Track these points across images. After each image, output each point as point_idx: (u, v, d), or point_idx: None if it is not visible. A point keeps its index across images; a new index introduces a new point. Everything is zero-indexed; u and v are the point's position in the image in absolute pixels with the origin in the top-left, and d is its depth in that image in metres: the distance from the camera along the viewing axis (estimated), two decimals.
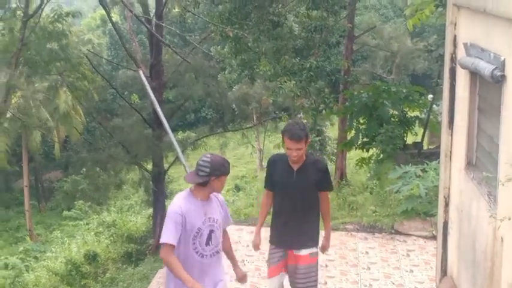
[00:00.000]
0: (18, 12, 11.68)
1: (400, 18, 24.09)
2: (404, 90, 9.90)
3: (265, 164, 17.92)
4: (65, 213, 17.20)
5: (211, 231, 3.52)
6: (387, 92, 9.58)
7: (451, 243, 4.35)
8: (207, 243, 3.51)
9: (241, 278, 3.87)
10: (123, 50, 14.52)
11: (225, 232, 3.82)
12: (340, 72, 12.68)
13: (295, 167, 3.97)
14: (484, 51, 3.22)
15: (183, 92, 12.12)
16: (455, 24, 4.02)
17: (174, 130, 10.95)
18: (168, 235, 3.36)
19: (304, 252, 4.02)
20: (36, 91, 11.93)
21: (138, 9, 13.31)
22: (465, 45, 3.63)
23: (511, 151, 2.74)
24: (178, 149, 8.10)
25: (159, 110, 8.00)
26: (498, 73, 2.88)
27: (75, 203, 16.58)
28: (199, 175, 3.40)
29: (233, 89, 12.85)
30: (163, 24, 11.50)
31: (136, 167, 12.05)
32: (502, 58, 2.86)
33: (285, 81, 11.61)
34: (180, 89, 12.13)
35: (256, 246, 4.19)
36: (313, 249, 4.05)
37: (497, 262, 2.99)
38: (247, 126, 13.93)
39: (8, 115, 12.10)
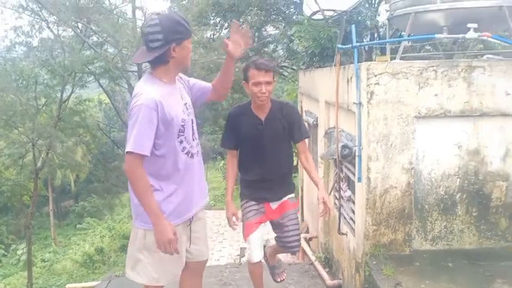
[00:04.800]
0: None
1: None
2: None
3: (208, 188, 23.04)
4: (78, 225, 22.13)
5: (192, 120, 2.42)
6: None
7: (305, 202, 7.47)
8: (193, 137, 2.40)
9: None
10: (114, 120, 20.06)
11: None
12: None
13: (263, 116, 3.05)
14: (311, 113, 6.20)
15: None
16: (301, 102, 7.25)
17: None
18: (138, 141, 2.13)
19: (285, 198, 3.24)
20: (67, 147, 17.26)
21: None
22: (305, 111, 6.71)
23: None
24: None
25: None
26: (315, 122, 5.74)
27: (84, 219, 21.72)
28: (151, 48, 2.14)
29: None
30: None
31: (127, 191, 17.59)
32: (316, 116, 5.79)
33: (220, 133, 17.37)
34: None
35: (231, 218, 3.11)
36: (292, 195, 3.30)
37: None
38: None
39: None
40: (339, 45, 4.23)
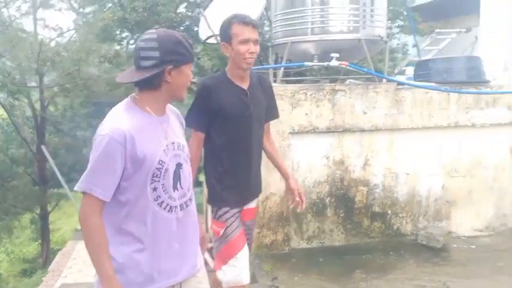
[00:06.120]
0: None
1: None
2: None
3: None
4: None
5: (179, 165, 1.84)
6: None
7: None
8: (175, 186, 1.81)
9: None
10: (12, 136, 19.02)
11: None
12: None
13: (245, 86, 2.44)
14: None
15: (58, 163, 17.13)
16: None
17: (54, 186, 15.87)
18: (96, 179, 1.67)
19: (255, 203, 2.68)
20: None
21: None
22: None
23: None
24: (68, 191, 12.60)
25: (56, 170, 12.56)
26: None
27: None
28: (142, 67, 1.72)
29: None
30: (47, 119, 16.55)
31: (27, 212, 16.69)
32: None
33: None
34: (55, 160, 17.12)
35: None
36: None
37: None
38: None
39: None
40: None
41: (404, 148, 4.48)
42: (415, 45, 6.83)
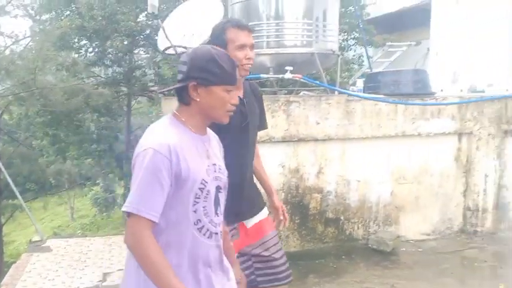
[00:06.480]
0: None
1: None
2: None
3: (76, 216, 22.32)
4: None
5: (218, 188, 1.71)
6: None
7: None
8: (216, 211, 1.69)
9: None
10: None
11: None
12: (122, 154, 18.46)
13: (241, 94, 2.27)
14: None
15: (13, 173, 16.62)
16: None
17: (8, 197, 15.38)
18: (145, 198, 1.53)
19: (264, 213, 2.46)
20: None
21: None
22: None
23: None
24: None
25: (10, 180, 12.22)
26: None
27: None
28: (177, 79, 1.68)
29: (51, 167, 17.73)
30: (1, 128, 16.06)
31: None
32: None
33: (86, 159, 17.00)
34: (9, 171, 16.59)
35: None
36: (265, 208, 2.51)
37: None
38: (62, 190, 18.89)
39: None
40: None
41: (356, 157, 4.72)
42: (368, 58, 7.14)
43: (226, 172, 1.77)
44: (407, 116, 4.83)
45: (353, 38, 11.21)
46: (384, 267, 4.38)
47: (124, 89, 14.66)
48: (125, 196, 17.81)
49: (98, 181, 18.44)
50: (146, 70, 14.94)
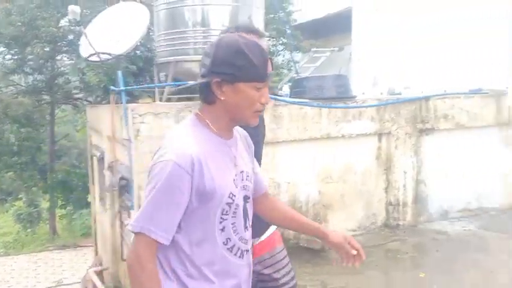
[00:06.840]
0: None
1: None
2: None
3: None
4: None
5: (246, 198, 1.55)
6: None
7: (98, 234, 7.64)
8: (245, 225, 1.53)
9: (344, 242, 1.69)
10: None
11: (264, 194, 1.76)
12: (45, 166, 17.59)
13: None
14: (98, 147, 6.45)
15: None
16: (90, 136, 7.41)
17: None
18: (157, 218, 1.38)
19: (264, 235, 2.35)
20: None
21: None
22: (94, 145, 6.95)
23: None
24: None
25: None
26: (101, 156, 6.14)
27: None
28: (200, 74, 1.48)
29: None
30: None
31: None
32: (102, 150, 6.08)
33: (6, 172, 16.02)
34: None
35: None
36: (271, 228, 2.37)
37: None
38: None
39: None
40: (111, 87, 4.81)
41: (284, 159, 4.89)
42: (294, 63, 7.40)
43: (253, 177, 1.60)
44: (331, 119, 5.08)
45: (281, 44, 11.52)
46: (314, 264, 4.57)
47: (46, 97, 14.01)
48: (50, 210, 16.98)
49: (20, 195, 17.39)
50: (70, 77, 14.38)
